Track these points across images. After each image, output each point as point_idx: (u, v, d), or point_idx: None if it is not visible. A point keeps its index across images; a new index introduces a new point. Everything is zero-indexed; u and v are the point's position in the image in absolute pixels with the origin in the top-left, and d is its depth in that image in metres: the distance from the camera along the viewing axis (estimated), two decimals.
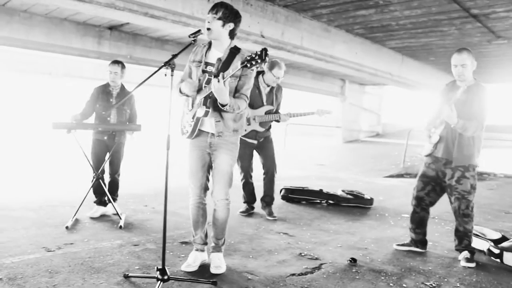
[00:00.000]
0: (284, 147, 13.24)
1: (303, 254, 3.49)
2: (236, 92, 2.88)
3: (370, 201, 5.76)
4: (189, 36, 2.67)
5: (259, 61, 2.50)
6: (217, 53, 2.90)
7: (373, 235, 4.27)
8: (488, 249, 3.59)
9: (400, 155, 11.19)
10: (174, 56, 2.53)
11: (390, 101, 18.76)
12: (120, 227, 4.00)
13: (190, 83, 2.83)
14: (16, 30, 7.06)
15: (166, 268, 2.60)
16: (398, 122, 17.98)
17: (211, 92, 2.71)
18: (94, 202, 4.43)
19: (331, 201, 5.76)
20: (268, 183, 4.81)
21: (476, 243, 3.78)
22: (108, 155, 4.33)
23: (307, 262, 3.29)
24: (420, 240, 3.72)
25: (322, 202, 5.79)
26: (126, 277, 2.76)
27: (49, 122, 3.90)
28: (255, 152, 4.84)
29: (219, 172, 2.97)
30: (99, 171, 4.23)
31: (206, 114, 2.83)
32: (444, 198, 3.68)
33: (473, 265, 3.37)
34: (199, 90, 2.85)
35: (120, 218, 4.17)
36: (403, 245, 3.78)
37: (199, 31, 2.71)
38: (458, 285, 2.99)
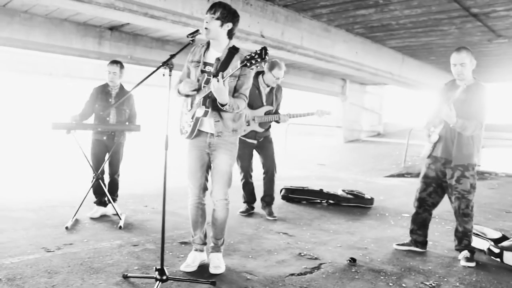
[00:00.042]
0: (285, 148, 13.22)
1: (302, 254, 3.48)
2: (235, 92, 2.88)
3: (371, 200, 5.76)
4: (187, 36, 2.67)
5: (259, 60, 2.50)
6: (216, 53, 2.90)
7: (373, 234, 4.26)
8: (488, 249, 3.59)
9: (401, 155, 11.18)
10: (172, 56, 2.53)
11: (391, 100, 18.74)
12: (120, 227, 4.00)
13: (188, 82, 2.83)
14: (17, 30, 7.07)
15: (165, 268, 2.60)
16: (399, 122, 17.93)
17: (210, 92, 2.71)
18: (94, 202, 4.44)
19: (331, 201, 5.75)
20: (268, 183, 4.80)
21: (476, 242, 3.77)
22: (107, 155, 4.33)
23: (306, 262, 3.29)
24: (421, 241, 3.71)
25: (323, 202, 5.79)
26: (125, 277, 2.76)
27: (48, 123, 3.90)
28: (255, 152, 4.84)
29: (218, 172, 2.97)
30: (99, 172, 4.23)
31: (205, 114, 2.83)
32: (445, 197, 3.67)
33: (473, 264, 3.37)
34: (198, 90, 2.85)
35: (120, 219, 4.17)
36: (403, 244, 3.78)
37: (197, 31, 2.71)
38: (458, 284, 2.98)
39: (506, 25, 7.10)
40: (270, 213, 4.75)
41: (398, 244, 3.80)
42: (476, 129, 3.35)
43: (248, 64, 2.54)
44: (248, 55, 2.55)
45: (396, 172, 10.27)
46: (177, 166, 5.19)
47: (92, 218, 4.31)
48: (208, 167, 3.05)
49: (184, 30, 5.59)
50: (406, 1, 6.17)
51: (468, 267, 3.35)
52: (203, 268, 3.00)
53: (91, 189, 4.32)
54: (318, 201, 5.79)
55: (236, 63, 2.68)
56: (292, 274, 3.01)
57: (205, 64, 2.90)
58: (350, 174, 9.85)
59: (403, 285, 2.92)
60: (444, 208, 4.58)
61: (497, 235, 3.87)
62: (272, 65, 4.55)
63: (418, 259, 3.51)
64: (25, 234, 3.66)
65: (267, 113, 4.68)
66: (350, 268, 3.21)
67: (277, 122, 4.71)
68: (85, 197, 4.19)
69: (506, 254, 3.42)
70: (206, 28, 2.80)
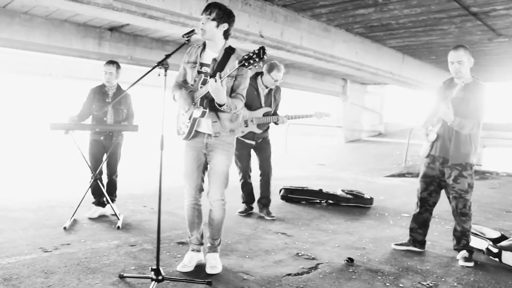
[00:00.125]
0: (285, 148, 13.23)
1: (300, 254, 3.48)
2: (232, 92, 2.88)
3: (370, 200, 5.74)
4: (183, 36, 2.67)
5: (257, 59, 2.50)
6: (212, 53, 2.90)
7: (372, 234, 4.25)
8: (487, 248, 3.57)
9: (402, 155, 11.16)
10: (168, 56, 2.54)
11: (392, 100, 18.68)
12: (118, 227, 4.01)
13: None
14: (17, 31, 7.09)
15: (161, 268, 2.60)
16: (400, 121, 17.88)
17: (208, 92, 2.71)
18: (93, 203, 4.44)
19: (330, 201, 5.74)
20: (264, 185, 4.80)
21: (475, 242, 3.76)
22: (105, 155, 4.33)
23: (303, 262, 3.28)
24: (420, 241, 3.70)
25: (322, 202, 5.78)
26: (121, 277, 2.76)
27: (47, 123, 3.91)
28: (253, 153, 4.83)
29: (215, 172, 2.97)
30: (97, 172, 4.23)
31: (203, 114, 2.83)
32: (445, 197, 3.66)
33: (471, 264, 3.35)
34: (195, 91, 2.85)
35: (118, 219, 4.17)
36: (401, 244, 3.77)
37: (192, 31, 2.71)
38: (456, 284, 2.97)
39: (506, 24, 7.07)
40: (268, 213, 4.75)
41: (396, 244, 3.79)
42: (474, 127, 3.34)
43: (246, 64, 2.54)
44: (246, 55, 2.55)
45: (397, 172, 10.25)
46: (175, 166, 5.20)
47: (90, 219, 4.31)
48: (205, 167, 3.05)
49: (183, 31, 5.57)
50: (405, 1, 6.15)
51: (467, 267, 3.33)
52: (199, 268, 3.00)
53: (90, 189, 4.32)
54: (318, 201, 5.78)
55: (233, 63, 2.68)
56: (289, 274, 3.00)
57: (202, 64, 2.91)
58: (350, 174, 9.83)
59: (400, 285, 2.91)
60: (444, 208, 4.57)
61: (496, 234, 3.86)
62: (271, 67, 4.55)
63: (416, 259, 3.50)
64: (23, 234, 3.67)
65: (266, 114, 4.68)
66: (347, 268, 3.20)
67: (276, 123, 4.71)
68: (83, 198, 4.20)
69: (505, 254, 3.41)
70: (202, 29, 2.80)
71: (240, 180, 4.87)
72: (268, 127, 4.83)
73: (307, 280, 2.92)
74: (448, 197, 3.54)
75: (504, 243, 3.52)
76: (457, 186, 3.40)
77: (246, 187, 4.87)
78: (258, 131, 4.68)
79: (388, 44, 9.40)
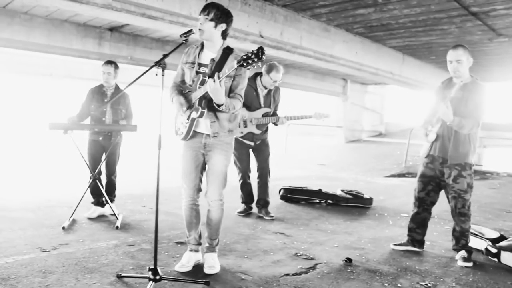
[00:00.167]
0: (285, 148, 13.22)
1: (298, 254, 3.47)
2: (230, 92, 2.88)
3: (370, 200, 5.74)
4: (181, 36, 2.67)
5: (255, 59, 2.50)
6: (210, 53, 2.90)
7: (371, 234, 4.25)
8: (486, 249, 3.57)
9: (402, 155, 11.15)
10: (165, 55, 2.54)
11: (392, 100, 18.65)
12: (117, 227, 4.01)
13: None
14: (17, 31, 7.09)
15: (158, 268, 2.60)
16: (401, 122, 17.85)
17: (206, 92, 2.71)
18: (92, 203, 4.44)
19: (330, 201, 5.74)
20: (262, 187, 4.80)
21: (474, 242, 3.75)
22: (104, 155, 4.33)
23: (302, 262, 3.28)
24: (418, 240, 3.70)
25: (321, 202, 5.77)
26: (119, 277, 2.76)
27: (46, 123, 3.91)
28: (251, 153, 4.83)
29: (214, 172, 2.96)
30: (96, 172, 4.23)
31: (201, 115, 2.83)
32: (444, 197, 3.65)
33: (470, 264, 3.35)
34: (193, 91, 2.86)
35: (117, 219, 4.17)
36: (400, 244, 3.76)
37: (190, 30, 2.71)
38: (454, 284, 2.96)
39: (506, 23, 7.06)
40: (267, 213, 4.75)
41: (395, 244, 3.78)
42: (473, 127, 3.33)
43: (245, 64, 2.54)
44: (245, 55, 2.55)
45: (397, 172, 10.24)
46: (174, 167, 5.19)
47: (89, 218, 4.31)
48: (203, 168, 3.04)
49: (182, 31, 5.55)
50: (405, 1, 6.14)
51: (465, 267, 3.33)
52: (197, 268, 3.00)
53: (89, 189, 4.32)
54: (317, 201, 5.78)
55: (231, 63, 2.69)
56: (287, 274, 3.00)
57: (200, 65, 2.90)
58: (350, 174, 9.83)
59: (399, 285, 2.91)
60: (443, 208, 4.56)
61: (495, 235, 3.85)
62: (270, 68, 4.54)
63: (415, 259, 3.50)
64: (22, 234, 3.67)
65: (265, 115, 4.68)
66: (345, 268, 3.19)
67: (275, 124, 4.70)
68: (82, 198, 4.20)
69: (504, 254, 3.40)
70: (200, 29, 2.80)
71: (240, 180, 4.87)
72: (268, 128, 4.83)
73: (305, 280, 2.91)
74: (448, 197, 3.54)
75: (503, 243, 3.52)
76: (457, 186, 3.40)
77: (246, 187, 4.87)
78: (257, 131, 4.68)
79: (388, 44, 9.39)
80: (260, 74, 4.68)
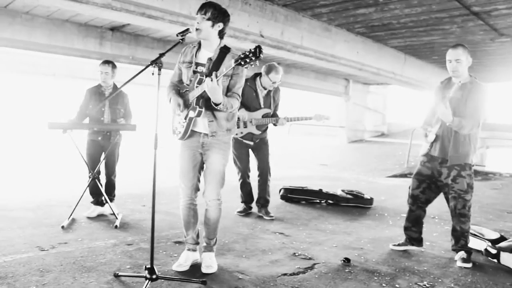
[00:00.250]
0: (286, 148, 13.22)
1: (297, 254, 3.46)
2: (228, 91, 2.88)
3: (370, 201, 5.72)
4: (177, 35, 2.67)
5: (253, 58, 2.49)
6: (207, 53, 2.89)
7: (370, 235, 4.23)
8: (485, 249, 3.55)
9: (404, 155, 11.12)
10: (161, 54, 2.53)
11: (395, 100, 18.60)
12: (116, 226, 4.01)
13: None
14: (18, 31, 7.12)
15: (155, 267, 2.59)
16: (403, 122, 17.82)
17: (204, 92, 2.71)
18: (91, 202, 4.45)
19: (330, 201, 5.73)
20: (263, 185, 4.79)
21: (474, 243, 3.73)
22: (103, 155, 4.34)
23: (300, 262, 3.27)
24: (416, 238, 3.68)
25: (322, 202, 5.76)
26: (116, 276, 2.76)
27: (45, 122, 3.92)
28: (251, 152, 4.83)
29: (212, 172, 2.96)
30: (95, 171, 4.24)
31: (199, 114, 2.83)
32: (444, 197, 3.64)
33: (469, 265, 3.33)
34: (191, 90, 2.85)
35: (117, 218, 4.17)
36: (399, 245, 3.75)
37: (187, 30, 2.70)
38: (453, 285, 2.95)
39: (508, 23, 7.02)
40: (267, 213, 4.74)
41: (394, 245, 3.77)
42: (473, 128, 3.31)
43: (243, 63, 2.53)
44: (243, 54, 2.54)
45: (399, 172, 10.22)
46: (173, 166, 5.21)
47: (89, 218, 4.32)
48: (201, 167, 3.04)
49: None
50: (406, 0, 6.13)
51: (464, 267, 3.31)
52: (195, 268, 3.00)
53: (88, 189, 4.33)
54: (317, 201, 5.77)
55: (229, 62, 2.68)
56: (285, 274, 2.99)
57: (197, 64, 2.90)
58: (352, 174, 9.81)
59: (397, 285, 2.89)
60: (444, 209, 4.53)
61: (495, 235, 3.83)
62: (269, 69, 4.54)
63: (413, 259, 3.48)
64: (21, 233, 3.68)
65: (265, 115, 4.67)
66: (343, 268, 3.18)
67: (275, 124, 4.70)
68: (81, 197, 4.20)
69: (503, 255, 3.38)
70: (197, 29, 2.79)
71: (239, 180, 4.86)
72: (267, 127, 4.82)
73: (302, 280, 2.90)
74: (447, 198, 3.52)
75: (503, 244, 3.49)
76: (456, 186, 3.38)
77: (245, 187, 4.86)
78: (257, 132, 4.67)
79: (390, 44, 9.37)
80: (259, 74, 4.67)
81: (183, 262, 3.00)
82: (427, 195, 3.59)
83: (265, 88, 4.67)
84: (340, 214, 5.18)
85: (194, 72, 2.88)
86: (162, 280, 2.68)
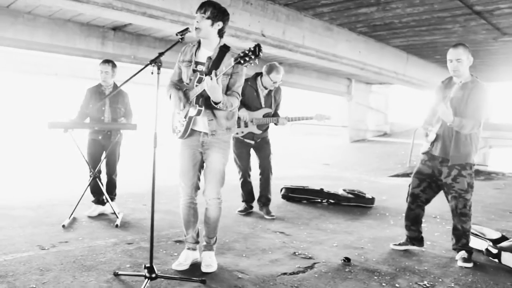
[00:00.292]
0: (288, 147, 13.21)
1: (297, 253, 3.46)
2: (227, 90, 2.88)
3: (371, 200, 5.71)
4: (177, 34, 2.67)
5: (252, 57, 2.49)
6: (207, 52, 2.90)
7: (371, 234, 4.22)
8: (486, 249, 3.53)
9: (407, 155, 11.08)
10: (161, 54, 2.54)
11: (397, 100, 18.55)
12: (117, 225, 4.02)
13: (179, 99, 2.85)
14: (20, 31, 7.13)
15: (154, 266, 2.60)
16: (406, 121, 17.76)
17: (204, 90, 2.71)
18: (92, 201, 4.46)
19: (331, 201, 5.72)
20: (264, 184, 4.79)
21: (475, 242, 3.71)
22: (104, 154, 4.34)
23: (300, 261, 3.26)
24: (415, 238, 3.67)
25: (323, 201, 5.75)
26: (116, 275, 2.77)
27: (45, 122, 3.93)
28: (252, 152, 4.83)
29: (212, 171, 2.96)
30: (96, 171, 4.25)
31: (198, 113, 2.83)
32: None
33: (470, 265, 3.31)
34: (190, 89, 2.86)
35: (117, 217, 4.18)
36: (399, 244, 3.74)
37: (186, 29, 2.71)
38: (453, 285, 2.94)
39: (511, 22, 6.99)
40: (268, 212, 4.74)
41: (395, 244, 3.76)
42: (474, 127, 3.30)
43: (242, 62, 2.53)
44: (242, 52, 2.54)
45: (401, 172, 10.18)
46: (174, 165, 5.22)
47: (89, 217, 4.33)
48: (201, 166, 3.04)
49: None
50: None
51: (465, 267, 3.29)
52: (195, 267, 3.00)
53: (89, 188, 4.34)
54: (319, 200, 5.76)
55: (228, 61, 2.68)
56: (284, 273, 2.99)
57: (197, 63, 2.91)
58: (354, 174, 9.79)
59: (397, 285, 2.88)
60: (446, 208, 4.51)
61: (496, 235, 3.81)
62: (270, 69, 4.53)
63: (414, 259, 3.47)
64: (21, 232, 3.69)
65: (266, 115, 4.67)
66: (344, 267, 3.18)
67: (275, 124, 4.70)
68: (82, 196, 4.21)
69: (504, 255, 3.36)
70: (196, 28, 2.80)
71: (240, 179, 4.86)
72: (268, 127, 4.82)
73: (302, 279, 2.90)
74: (447, 197, 3.51)
75: (504, 244, 3.48)
76: (457, 186, 3.37)
77: (246, 186, 4.86)
78: (258, 131, 4.67)
79: (392, 44, 9.34)
80: (261, 74, 4.67)
81: (183, 261, 3.00)
82: (428, 195, 3.58)
83: (266, 88, 4.66)
84: (341, 213, 5.17)
85: (194, 71, 2.89)
86: (162, 279, 2.68)
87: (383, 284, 2.88)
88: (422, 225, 3.75)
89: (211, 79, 2.59)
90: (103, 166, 4.39)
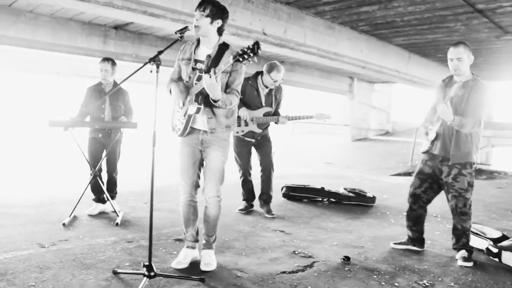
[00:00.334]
0: (289, 146, 13.20)
1: (296, 252, 3.46)
2: (227, 88, 2.88)
3: (372, 199, 5.70)
4: (176, 33, 2.67)
5: (251, 55, 2.48)
6: (206, 50, 2.89)
7: (371, 233, 4.22)
8: (487, 248, 3.52)
9: (409, 153, 11.05)
10: (160, 52, 2.54)
11: (400, 99, 18.50)
12: (117, 224, 4.02)
13: (180, 92, 2.85)
14: (22, 30, 7.15)
15: (153, 264, 2.60)
16: (408, 120, 17.71)
17: (203, 88, 2.71)
18: (93, 200, 4.46)
19: (332, 199, 5.71)
20: (266, 181, 4.78)
21: (475, 242, 3.70)
22: (104, 152, 4.35)
23: (299, 260, 3.26)
24: (416, 238, 3.66)
25: (324, 200, 5.75)
26: (115, 273, 2.77)
27: (46, 120, 3.93)
28: (253, 150, 4.82)
29: (211, 169, 2.96)
30: (96, 169, 4.25)
31: (198, 111, 2.83)
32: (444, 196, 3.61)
33: (470, 264, 3.30)
34: (190, 87, 2.85)
35: (118, 216, 4.19)
36: (400, 243, 3.73)
37: (186, 27, 2.71)
38: (453, 284, 2.93)
39: None
40: (268, 211, 4.73)
41: (395, 243, 3.75)
42: (474, 126, 3.28)
43: (241, 59, 2.53)
44: (241, 50, 2.53)
45: (403, 170, 10.15)
46: (175, 164, 5.23)
47: (90, 215, 4.34)
48: (201, 164, 3.04)
49: None
50: None
51: (465, 266, 3.28)
52: (194, 265, 3.00)
53: (90, 186, 4.34)
54: (319, 199, 5.76)
55: (227, 59, 2.68)
56: (284, 272, 2.99)
57: (196, 61, 2.90)
58: (356, 173, 9.77)
59: (396, 284, 2.88)
60: (447, 208, 4.45)
61: (497, 234, 3.80)
62: (271, 68, 4.53)
63: (414, 258, 3.46)
64: (22, 230, 3.71)
65: (266, 114, 4.67)
66: (343, 266, 3.17)
67: (276, 123, 4.69)
68: (82, 194, 4.22)
69: (505, 254, 3.35)
70: (196, 26, 2.79)
71: (241, 177, 4.86)
72: (269, 125, 4.82)
73: (301, 278, 2.90)
74: (447, 196, 3.49)
75: (504, 243, 3.47)
76: (457, 185, 3.35)
77: (247, 184, 4.86)
78: (258, 130, 4.67)
79: (394, 42, 9.31)
80: (261, 73, 4.66)
81: (182, 259, 3.00)
82: (429, 195, 3.57)
83: (266, 87, 4.66)
84: (342, 212, 5.16)
85: (193, 69, 2.89)
86: (160, 277, 2.68)
87: (383, 283, 2.88)
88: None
89: (210, 77, 2.59)
90: (103, 165, 4.39)
